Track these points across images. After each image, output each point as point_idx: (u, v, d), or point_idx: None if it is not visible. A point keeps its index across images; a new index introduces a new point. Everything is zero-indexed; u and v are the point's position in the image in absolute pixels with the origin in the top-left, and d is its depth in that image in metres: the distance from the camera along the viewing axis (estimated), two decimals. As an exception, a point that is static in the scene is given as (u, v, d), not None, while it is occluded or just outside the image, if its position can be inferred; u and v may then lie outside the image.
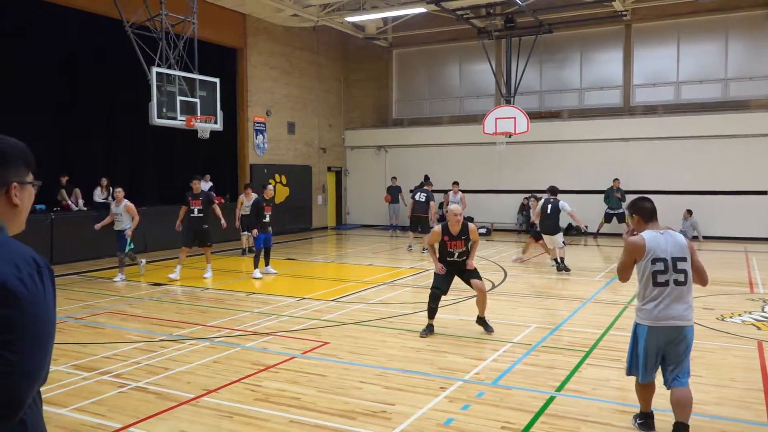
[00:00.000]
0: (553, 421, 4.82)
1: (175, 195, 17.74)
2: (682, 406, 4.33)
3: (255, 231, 12.01)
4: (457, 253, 7.47)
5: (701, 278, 4.41)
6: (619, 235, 18.97)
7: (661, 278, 4.28)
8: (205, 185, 18.12)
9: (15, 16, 13.53)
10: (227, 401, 5.30)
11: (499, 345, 7.04)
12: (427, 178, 20.51)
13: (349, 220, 24.06)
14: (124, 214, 11.50)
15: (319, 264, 14.25)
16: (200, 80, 13.96)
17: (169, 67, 13.53)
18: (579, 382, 5.78)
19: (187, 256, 12.43)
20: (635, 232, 4.46)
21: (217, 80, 14.41)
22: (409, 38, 22.53)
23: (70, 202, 14.64)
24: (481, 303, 7.58)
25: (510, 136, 18.77)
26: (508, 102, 19.38)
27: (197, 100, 13.79)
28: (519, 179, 20.98)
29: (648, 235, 4.37)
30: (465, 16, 19.05)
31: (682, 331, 4.32)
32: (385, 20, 21.30)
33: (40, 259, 1.67)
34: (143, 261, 12.47)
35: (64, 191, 14.59)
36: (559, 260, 12.42)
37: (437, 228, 7.51)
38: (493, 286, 10.79)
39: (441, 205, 19.74)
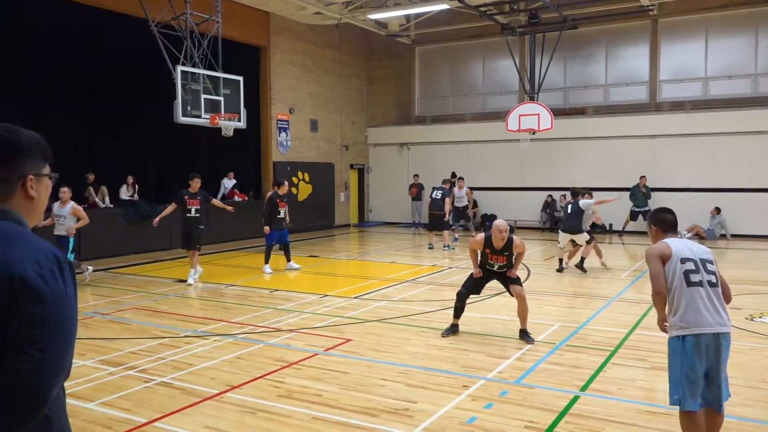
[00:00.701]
0: (578, 421, 4.77)
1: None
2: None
3: (267, 228, 12.06)
4: (497, 266, 7.23)
5: (725, 293, 3.98)
6: (646, 233, 18.69)
7: (694, 278, 3.89)
8: (229, 183, 18.32)
9: (42, 15, 13.74)
10: (251, 397, 5.33)
11: (522, 344, 6.98)
12: (454, 174, 20.48)
13: (371, 217, 24.08)
14: (69, 217, 10.28)
15: (341, 261, 14.28)
16: (224, 78, 14.05)
17: (194, 66, 13.64)
18: (604, 381, 5.71)
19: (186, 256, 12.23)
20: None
21: (240, 78, 14.50)
22: (431, 35, 22.45)
23: (97, 199, 14.88)
24: (522, 313, 7.10)
25: (534, 133, 18.62)
26: (531, 99, 19.22)
27: (221, 99, 13.89)
28: (543, 176, 20.80)
29: (668, 240, 4.10)
30: (488, 13, 18.93)
31: (725, 338, 3.83)
32: (407, 17, 21.23)
33: (60, 254, 1.68)
34: (89, 268, 11.28)
35: (91, 188, 14.82)
36: (579, 260, 12.25)
37: (480, 238, 7.22)
38: (517, 284, 10.70)
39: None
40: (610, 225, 19.65)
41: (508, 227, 7.13)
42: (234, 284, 11.04)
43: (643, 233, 18.78)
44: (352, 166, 23.52)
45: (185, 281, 11.14)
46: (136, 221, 14.89)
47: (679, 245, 4.05)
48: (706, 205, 18.17)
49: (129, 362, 6.36)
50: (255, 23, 18.85)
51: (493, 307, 8.99)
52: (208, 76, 13.68)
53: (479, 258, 7.33)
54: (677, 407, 3.92)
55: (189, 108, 13.24)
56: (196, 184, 11.13)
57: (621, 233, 19.04)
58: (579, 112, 20.64)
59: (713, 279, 3.94)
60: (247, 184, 19.22)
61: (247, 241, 17.36)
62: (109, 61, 15.32)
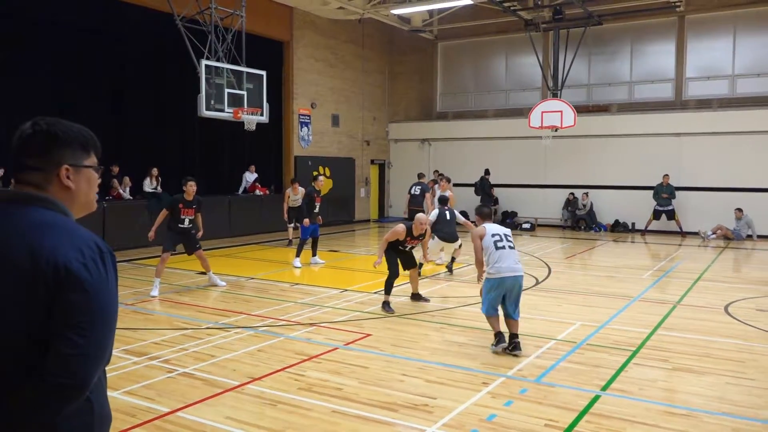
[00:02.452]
0: (599, 421, 4.75)
1: (221, 185, 18.12)
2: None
3: (306, 221, 12.12)
4: (409, 247, 8.75)
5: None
6: (669, 233, 18.51)
7: (500, 244, 6.55)
8: (251, 176, 18.44)
9: (67, 9, 13.90)
10: (271, 389, 5.39)
11: (542, 342, 6.96)
12: (487, 172, 20.44)
13: (391, 213, 24.10)
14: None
15: (361, 256, 14.32)
16: (247, 73, 14.14)
17: (218, 60, 13.75)
18: (625, 381, 5.68)
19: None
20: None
21: (263, 73, 14.58)
22: (454, 31, 22.36)
23: (121, 191, 15.08)
24: (415, 280, 9.08)
25: (556, 130, 18.48)
26: (554, 95, 19.07)
27: (244, 93, 13.99)
28: (565, 174, 20.65)
29: (485, 224, 6.79)
30: (512, 8, 18.80)
31: (519, 279, 6.51)
32: (430, 12, 21.19)
33: (102, 243, 1.73)
34: None
35: (116, 180, 15.03)
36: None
37: (401, 228, 8.49)
38: (537, 282, 10.67)
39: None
40: (633, 224, 19.46)
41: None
42: (254, 277, 11.13)
43: (666, 232, 18.57)
44: (372, 162, 23.55)
45: (205, 273, 11.27)
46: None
47: (490, 226, 6.74)
48: (732, 204, 17.90)
49: (152, 352, 6.46)
50: (278, 18, 18.94)
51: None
52: (231, 70, 13.79)
53: (392, 243, 8.61)
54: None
55: (212, 102, 13.35)
56: (191, 189, 9.66)
57: (644, 232, 18.85)
58: (603, 109, 20.44)
59: (511, 245, 6.62)
60: (268, 178, 19.34)
61: (266, 235, 17.47)
62: (133, 54, 15.50)
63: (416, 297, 9.11)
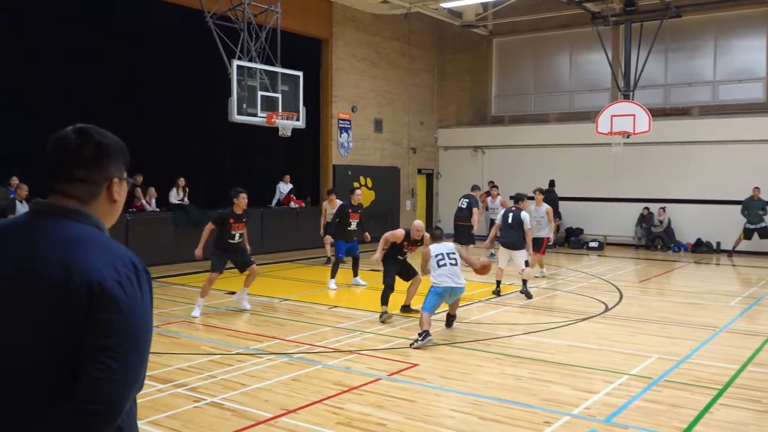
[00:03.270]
0: (678, 468, 4.63)
1: (253, 196, 18.28)
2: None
3: (328, 237, 12.27)
4: (408, 252, 9.85)
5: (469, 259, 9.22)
6: (761, 254, 17.95)
7: (441, 262, 8.42)
8: (285, 187, 18.70)
9: (88, 6, 14.37)
10: (307, 423, 5.43)
11: (613, 377, 6.84)
12: (552, 183, 20.28)
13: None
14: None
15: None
16: (282, 74, 14.38)
17: (251, 60, 14.03)
18: (710, 424, 5.53)
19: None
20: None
21: (300, 74, 14.81)
22: (511, 25, 22.32)
23: (144, 203, 15.41)
24: (413, 290, 9.96)
25: (628, 137, 18.20)
26: (626, 97, 18.81)
27: (279, 95, 14.22)
28: (638, 186, 20.30)
29: (431, 246, 8.74)
30: (577, 0, 18.68)
31: (456, 289, 8.49)
32: (484, 5, 21.18)
33: (138, 261, 1.81)
34: None
35: (139, 190, 15.36)
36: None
37: (400, 233, 9.65)
38: (606, 309, 10.51)
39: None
40: (718, 243, 18.96)
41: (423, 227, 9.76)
42: (288, 298, 11.26)
43: (759, 253, 18.02)
44: (419, 171, 23.62)
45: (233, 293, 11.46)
46: (186, 227, 15.37)
47: (435, 247, 8.65)
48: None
49: (178, 379, 6.59)
50: (316, 13, 19.25)
51: (578, 334, 8.85)
52: (265, 71, 14.05)
53: (392, 248, 9.69)
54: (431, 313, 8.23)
55: (244, 106, 13.62)
56: (243, 202, 9.86)
57: (731, 253, 18.32)
58: (682, 112, 20.06)
59: (453, 261, 8.45)
60: (304, 189, 19.58)
61: (302, 252, 17.65)
62: (159, 55, 15.86)
63: (406, 309, 9.96)
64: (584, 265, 16.56)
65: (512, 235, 11.61)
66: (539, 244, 13.40)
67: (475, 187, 16.44)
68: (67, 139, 1.88)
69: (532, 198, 13.69)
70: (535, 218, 13.32)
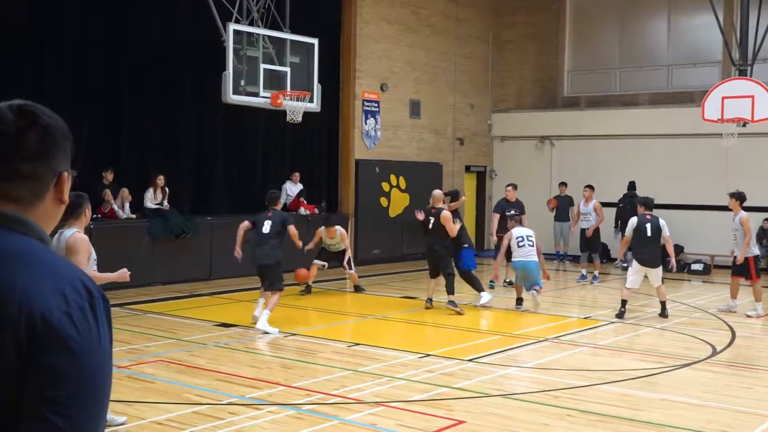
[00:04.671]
0: None
1: (253, 199, 18.41)
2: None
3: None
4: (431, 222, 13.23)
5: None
6: None
7: (521, 243, 13.08)
8: (294, 188, 18.75)
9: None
10: (319, 496, 5.44)
11: (722, 442, 6.75)
12: (633, 186, 20.13)
13: (494, 242, 23.94)
14: None
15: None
16: (292, 41, 14.46)
17: (251, 24, 14.11)
18: None
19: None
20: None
21: (315, 41, 14.88)
22: (591, -22, 22.25)
23: (116, 207, 15.39)
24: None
25: (745, 125, 18.00)
26: (742, 73, 18.60)
27: (287, 69, 14.28)
28: (758, 190, 19.97)
29: (513, 230, 13.67)
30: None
31: (530, 263, 13.06)
32: (556, -47, 21.14)
33: (92, 284, 1.73)
34: None
35: (108, 192, 15.33)
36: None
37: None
38: (714, 352, 10.36)
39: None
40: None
41: None
42: (296, 332, 11.28)
43: None
44: (468, 169, 23.57)
45: (232, 326, 11.52)
46: (165, 238, 15.43)
47: (516, 231, 13.41)
48: None
49: (153, 436, 6.64)
50: (336, -37, 19.35)
51: (676, 384, 8.77)
52: (269, 37, 14.13)
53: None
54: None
55: (243, 83, 13.70)
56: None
57: None
58: (817, 93, 19.77)
59: (531, 242, 13.09)
60: (317, 190, 19.60)
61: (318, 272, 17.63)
62: (131, 15, 15.87)
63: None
64: (684, 293, 16.36)
65: (653, 249, 12.62)
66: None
67: (453, 194, 16.27)
68: (6, 122, 1.78)
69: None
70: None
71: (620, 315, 12.58)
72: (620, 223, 19.23)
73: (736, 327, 12.17)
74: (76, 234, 6.48)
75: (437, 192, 13.94)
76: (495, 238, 15.98)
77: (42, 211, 1.83)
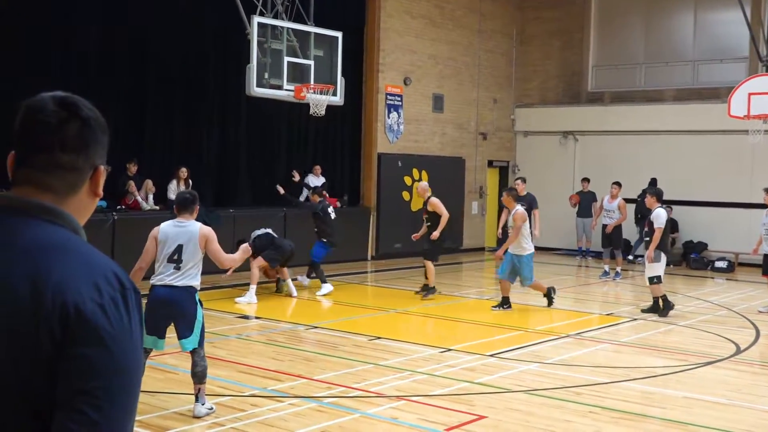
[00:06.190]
0: None
1: (274, 192, 18.46)
2: None
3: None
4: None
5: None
6: None
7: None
8: (316, 181, 18.75)
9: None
10: (341, 489, 5.44)
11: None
12: (654, 182, 19.97)
13: (498, 235, 23.87)
14: None
15: (472, 301, 14.28)
16: (316, 34, 14.48)
17: (276, 17, 14.15)
18: None
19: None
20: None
21: (339, 35, 14.88)
22: (617, -27, 22.11)
23: (139, 198, 15.53)
24: None
25: (772, 122, 17.85)
26: (769, 69, 18.45)
27: (311, 62, 14.31)
28: (785, 187, 19.84)
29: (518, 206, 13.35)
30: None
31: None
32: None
33: (124, 276, 1.73)
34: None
35: (132, 183, 15.47)
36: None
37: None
38: (737, 351, 10.28)
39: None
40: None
41: None
42: (318, 326, 11.31)
43: None
44: (491, 164, 23.52)
45: (256, 318, 11.55)
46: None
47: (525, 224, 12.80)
48: None
49: (175, 427, 6.66)
50: (361, -43, 19.34)
51: (700, 383, 8.72)
52: (294, 30, 14.16)
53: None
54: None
55: (267, 75, 13.74)
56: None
57: None
58: None
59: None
60: (340, 183, 19.63)
61: (336, 265, 17.59)
62: (158, 8, 15.98)
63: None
64: (708, 291, 16.26)
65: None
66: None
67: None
68: (47, 112, 1.78)
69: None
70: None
71: (665, 311, 12.40)
72: (639, 217, 19.16)
73: (760, 325, 12.07)
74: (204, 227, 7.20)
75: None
76: (500, 232, 15.94)
77: (77, 203, 1.84)
